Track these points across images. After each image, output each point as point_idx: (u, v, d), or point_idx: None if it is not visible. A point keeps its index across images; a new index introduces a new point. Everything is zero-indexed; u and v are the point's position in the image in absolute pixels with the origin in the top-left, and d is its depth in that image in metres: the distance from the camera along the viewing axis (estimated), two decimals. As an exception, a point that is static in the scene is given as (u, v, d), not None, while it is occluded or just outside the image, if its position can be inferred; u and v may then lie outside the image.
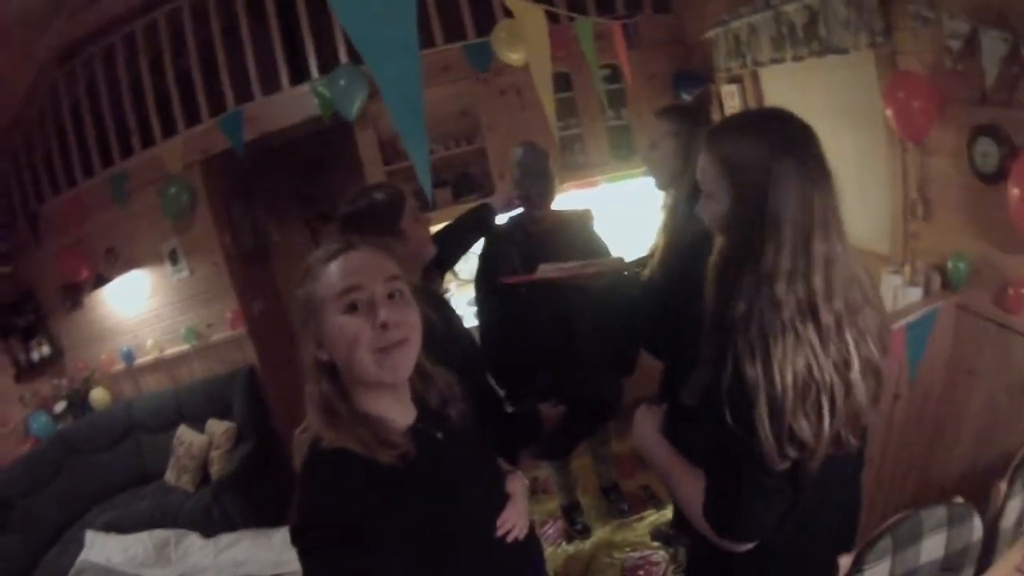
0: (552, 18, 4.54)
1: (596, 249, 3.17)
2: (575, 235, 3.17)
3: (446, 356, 1.46)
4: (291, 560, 3.47)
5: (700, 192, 1.42)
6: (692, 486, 1.41)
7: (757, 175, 1.24)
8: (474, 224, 3.01)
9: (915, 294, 2.81)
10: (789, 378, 1.19)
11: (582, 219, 3.28)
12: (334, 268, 1.27)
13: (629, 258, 2.59)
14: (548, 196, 3.07)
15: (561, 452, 3.49)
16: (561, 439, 3.24)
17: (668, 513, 3.65)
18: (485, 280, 3.19)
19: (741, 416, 1.21)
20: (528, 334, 3.02)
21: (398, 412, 1.32)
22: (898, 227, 3.04)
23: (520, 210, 3.10)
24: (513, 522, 1.44)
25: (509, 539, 1.42)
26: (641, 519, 3.75)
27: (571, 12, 3.85)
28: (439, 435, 1.37)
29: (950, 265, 2.71)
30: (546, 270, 2.55)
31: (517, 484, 1.55)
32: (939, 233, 2.83)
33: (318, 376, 1.27)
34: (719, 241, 1.37)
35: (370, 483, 1.18)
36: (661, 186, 2.43)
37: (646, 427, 1.59)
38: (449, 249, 2.70)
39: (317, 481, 1.20)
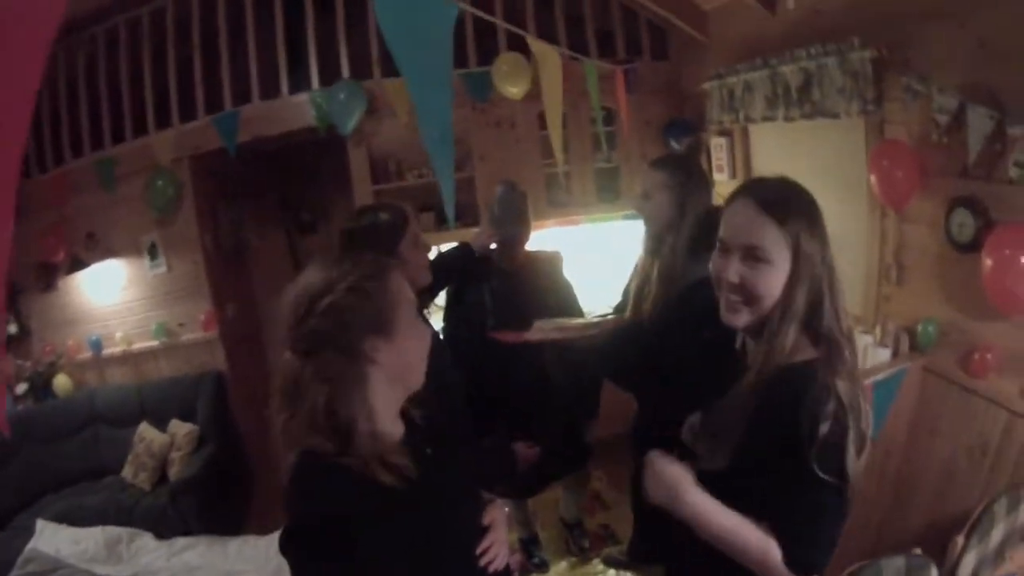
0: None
1: (565, 294, 3.25)
2: (546, 277, 3.22)
3: (434, 380, 1.49)
4: (244, 571, 3.48)
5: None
6: (759, 540, 1.36)
7: (820, 251, 1.38)
8: (455, 262, 3.04)
9: (884, 354, 2.91)
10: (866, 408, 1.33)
11: (552, 262, 3.35)
12: (398, 282, 1.36)
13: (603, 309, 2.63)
14: (522, 238, 3.12)
15: (529, 492, 3.52)
16: (532, 480, 3.27)
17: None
18: (454, 313, 3.22)
19: (832, 458, 1.28)
20: (502, 378, 3.04)
21: (396, 427, 1.39)
22: (871, 289, 3.16)
23: (494, 247, 3.13)
24: (496, 551, 1.48)
25: (491, 569, 1.46)
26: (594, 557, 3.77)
27: (576, 53, 3.96)
28: (428, 451, 1.42)
29: (919, 328, 2.83)
30: (544, 329, 2.55)
31: (499, 513, 1.58)
32: (911, 297, 2.95)
33: (356, 389, 1.28)
34: (761, 298, 1.40)
35: (365, 494, 1.22)
36: (653, 235, 2.45)
37: (688, 487, 1.42)
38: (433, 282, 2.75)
39: (311, 490, 1.25)
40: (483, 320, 3.03)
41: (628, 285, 2.62)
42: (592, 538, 3.91)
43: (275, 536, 3.67)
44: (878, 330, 3.04)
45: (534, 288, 3.09)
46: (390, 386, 1.34)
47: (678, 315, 2.11)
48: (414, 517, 1.26)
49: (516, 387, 3.07)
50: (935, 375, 2.80)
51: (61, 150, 4.81)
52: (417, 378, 1.38)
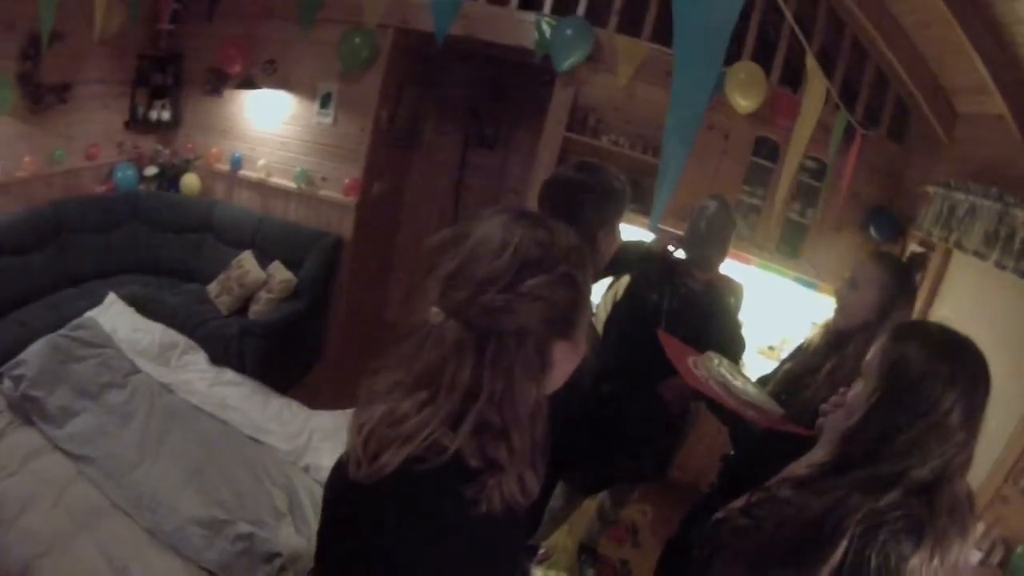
0: (792, 83, 4.56)
1: (732, 335, 3.16)
2: (725, 309, 3.18)
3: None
4: (273, 433, 3.67)
5: None
6: None
7: None
8: (635, 256, 3.06)
9: (973, 557, 2.79)
10: None
11: (737, 294, 3.31)
12: (591, 277, 1.19)
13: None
14: (718, 262, 3.09)
15: (593, 487, 3.52)
16: (598, 474, 3.32)
17: None
18: (630, 307, 3.21)
19: None
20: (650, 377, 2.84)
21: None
22: (993, 481, 2.99)
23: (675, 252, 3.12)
24: None
25: None
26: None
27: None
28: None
29: (1018, 550, 2.68)
30: (711, 373, 2.32)
31: None
32: (1027, 513, 2.79)
33: (533, 390, 1.09)
34: None
35: (467, 521, 1.04)
36: (842, 329, 2.38)
37: None
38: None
39: (418, 507, 1.04)
40: (657, 319, 3.02)
41: (784, 364, 2.60)
42: (603, 569, 3.92)
43: (317, 413, 3.91)
44: (980, 527, 2.91)
45: (711, 313, 3.07)
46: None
47: None
48: (493, 548, 1.11)
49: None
50: (1009, 603, 2.66)
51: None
52: (555, 387, 1.17)
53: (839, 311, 2.41)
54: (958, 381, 1.35)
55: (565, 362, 1.14)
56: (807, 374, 2.38)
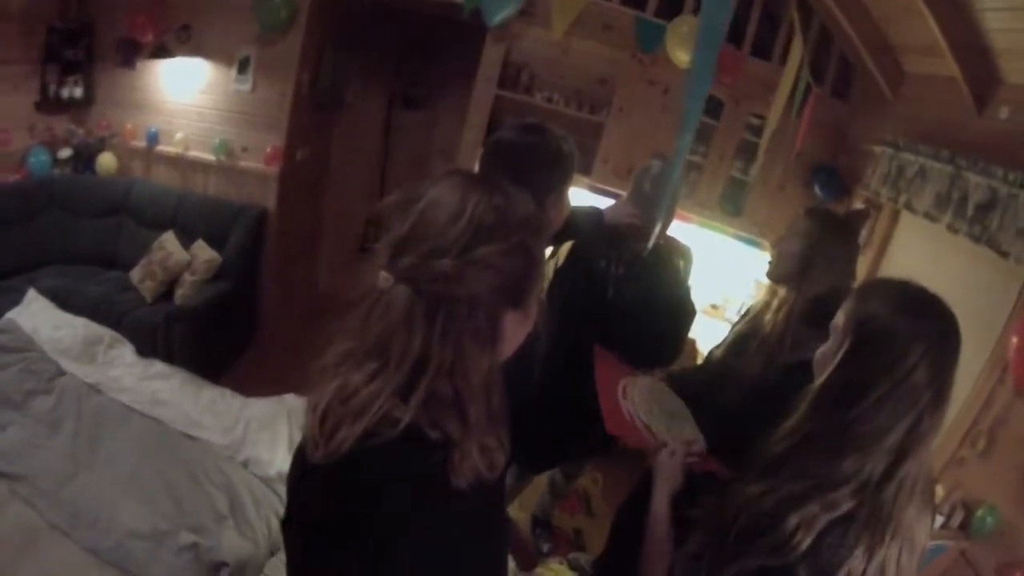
0: (735, 39, 4.47)
1: (680, 294, 3.06)
2: (673, 272, 3.08)
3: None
4: (208, 427, 3.50)
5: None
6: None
7: None
8: (587, 221, 2.93)
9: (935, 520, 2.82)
10: None
11: (686, 257, 3.21)
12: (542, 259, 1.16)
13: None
14: (666, 225, 2.97)
15: (538, 465, 3.48)
16: (547, 451, 3.25)
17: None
18: (574, 272, 3.08)
19: None
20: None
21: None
22: (949, 445, 3.01)
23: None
24: None
25: None
26: (560, 562, 3.76)
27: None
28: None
29: (978, 512, 2.71)
30: (642, 395, 2.28)
31: None
32: (985, 475, 2.82)
33: (485, 359, 1.07)
34: None
35: (438, 495, 1.04)
36: (771, 283, 2.43)
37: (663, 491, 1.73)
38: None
39: (380, 480, 1.01)
40: (604, 286, 2.93)
41: (735, 327, 2.62)
42: (559, 539, 3.91)
43: (252, 401, 3.76)
44: (939, 489, 2.93)
45: (659, 277, 2.97)
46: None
47: (772, 399, 1.68)
48: (464, 535, 1.10)
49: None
50: (969, 565, 2.69)
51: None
52: (505, 356, 1.16)
53: (770, 263, 2.45)
54: (924, 337, 1.31)
55: (516, 331, 1.13)
56: (752, 337, 2.40)
